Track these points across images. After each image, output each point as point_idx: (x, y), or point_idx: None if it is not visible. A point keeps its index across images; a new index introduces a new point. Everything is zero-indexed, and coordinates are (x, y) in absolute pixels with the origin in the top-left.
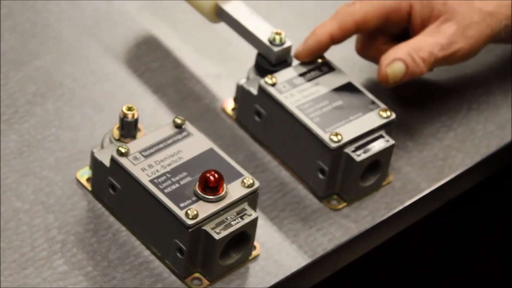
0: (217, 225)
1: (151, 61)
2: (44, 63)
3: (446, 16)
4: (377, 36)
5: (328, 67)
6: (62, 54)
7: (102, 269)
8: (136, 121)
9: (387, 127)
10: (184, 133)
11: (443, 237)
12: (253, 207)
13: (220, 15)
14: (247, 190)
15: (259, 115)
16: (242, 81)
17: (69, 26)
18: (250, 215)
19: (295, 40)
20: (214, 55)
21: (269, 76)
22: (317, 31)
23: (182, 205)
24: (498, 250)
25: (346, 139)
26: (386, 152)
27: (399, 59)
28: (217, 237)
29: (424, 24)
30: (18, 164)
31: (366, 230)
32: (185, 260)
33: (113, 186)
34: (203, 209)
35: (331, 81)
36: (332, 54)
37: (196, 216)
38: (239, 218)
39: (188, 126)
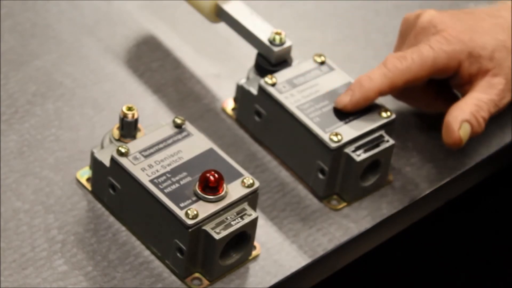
0: (217, 225)
1: (151, 61)
2: (44, 63)
3: (494, 71)
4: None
5: (328, 67)
6: (62, 54)
7: (102, 269)
8: (136, 121)
9: (387, 127)
10: (184, 133)
11: (443, 237)
12: (253, 207)
13: (220, 15)
14: (247, 190)
15: (259, 115)
16: (242, 81)
17: (69, 26)
18: (250, 215)
19: (295, 40)
20: (214, 55)
21: (269, 76)
22: (366, 85)
23: (182, 205)
24: (498, 250)
25: (346, 139)
26: (386, 152)
27: (466, 121)
28: (217, 237)
29: (471, 79)
30: (18, 164)
31: (366, 230)
32: (185, 260)
33: (113, 186)
34: (203, 209)
35: (331, 81)
36: (332, 54)
37: (196, 216)
38: (239, 218)
39: (188, 126)
